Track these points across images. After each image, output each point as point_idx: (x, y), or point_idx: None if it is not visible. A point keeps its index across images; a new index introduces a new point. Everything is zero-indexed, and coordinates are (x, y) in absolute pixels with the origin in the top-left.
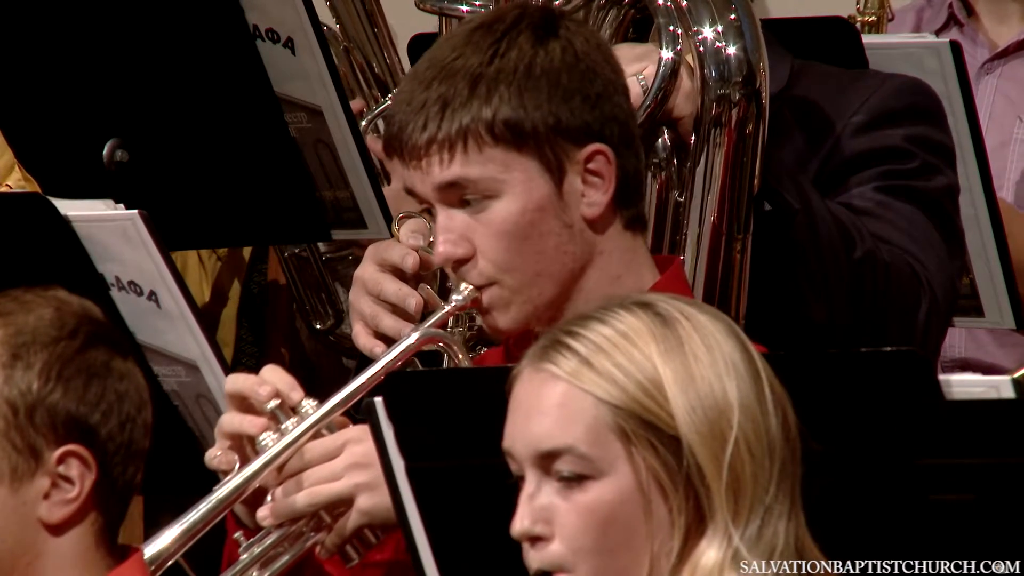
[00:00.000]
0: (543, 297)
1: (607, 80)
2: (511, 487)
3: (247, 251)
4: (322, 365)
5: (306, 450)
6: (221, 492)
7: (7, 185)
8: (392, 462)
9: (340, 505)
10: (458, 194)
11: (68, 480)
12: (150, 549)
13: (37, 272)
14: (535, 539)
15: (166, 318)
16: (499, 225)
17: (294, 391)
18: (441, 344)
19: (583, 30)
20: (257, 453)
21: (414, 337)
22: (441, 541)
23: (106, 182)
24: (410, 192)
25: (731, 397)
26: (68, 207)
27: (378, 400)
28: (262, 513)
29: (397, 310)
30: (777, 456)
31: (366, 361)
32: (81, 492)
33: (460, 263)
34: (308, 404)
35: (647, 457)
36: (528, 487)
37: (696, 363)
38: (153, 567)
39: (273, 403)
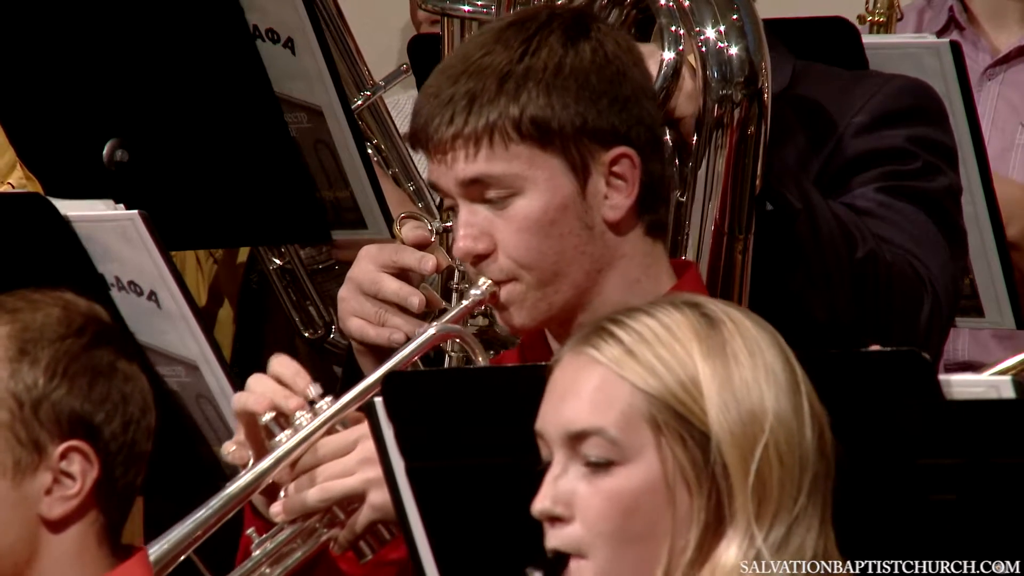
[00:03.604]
0: (560, 296)
1: (636, 84)
2: (511, 487)
3: (244, 253)
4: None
5: (319, 446)
6: (232, 489)
7: (9, 184)
8: (392, 462)
9: (353, 501)
10: (481, 190)
11: (70, 476)
12: (160, 546)
13: (37, 272)
14: (554, 520)
15: (166, 318)
16: (521, 222)
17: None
18: (458, 340)
19: (614, 33)
20: (273, 447)
21: (431, 332)
22: (441, 541)
23: (106, 182)
24: (433, 186)
25: (767, 403)
26: (68, 207)
27: (378, 400)
28: (275, 509)
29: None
30: (809, 468)
31: (352, 369)
32: (82, 489)
33: (480, 258)
34: (323, 400)
35: (675, 449)
36: (555, 468)
37: (736, 365)
38: (164, 563)
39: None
